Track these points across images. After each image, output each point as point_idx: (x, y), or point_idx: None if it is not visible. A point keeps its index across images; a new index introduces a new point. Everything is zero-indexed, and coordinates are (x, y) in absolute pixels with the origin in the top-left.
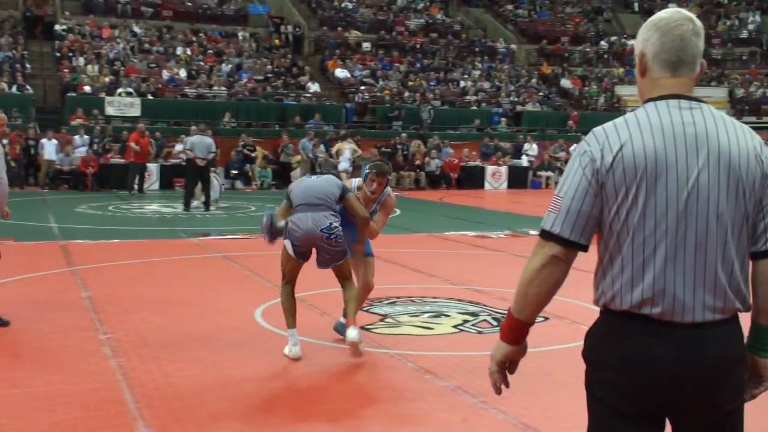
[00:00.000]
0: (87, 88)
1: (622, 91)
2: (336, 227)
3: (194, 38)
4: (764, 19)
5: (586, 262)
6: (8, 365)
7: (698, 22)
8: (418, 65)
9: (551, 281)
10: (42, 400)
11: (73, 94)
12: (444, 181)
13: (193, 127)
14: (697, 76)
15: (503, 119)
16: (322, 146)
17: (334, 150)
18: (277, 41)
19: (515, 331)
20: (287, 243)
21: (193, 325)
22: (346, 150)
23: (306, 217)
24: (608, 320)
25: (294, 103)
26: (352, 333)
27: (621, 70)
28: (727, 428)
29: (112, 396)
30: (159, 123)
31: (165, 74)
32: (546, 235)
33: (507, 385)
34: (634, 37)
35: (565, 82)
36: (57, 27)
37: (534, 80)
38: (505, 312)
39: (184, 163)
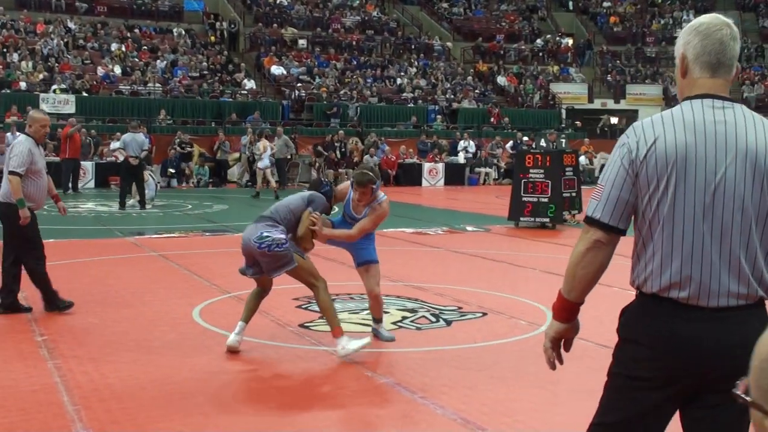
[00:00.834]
0: (22, 85)
1: (557, 88)
2: (266, 236)
3: (129, 34)
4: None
5: (526, 259)
6: None
7: (735, 28)
8: (355, 62)
9: (596, 263)
10: None
11: (8, 91)
12: (381, 178)
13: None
14: (733, 78)
15: (439, 116)
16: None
17: (259, 147)
18: (212, 38)
19: (566, 311)
20: None
21: (130, 325)
22: (268, 148)
23: (246, 230)
24: (641, 301)
25: (230, 100)
26: (338, 346)
27: (556, 67)
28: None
29: (50, 398)
30: (94, 120)
31: (100, 71)
32: (589, 221)
33: (561, 361)
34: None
35: (501, 80)
36: None
37: (470, 78)
38: (443, 308)
39: (118, 162)
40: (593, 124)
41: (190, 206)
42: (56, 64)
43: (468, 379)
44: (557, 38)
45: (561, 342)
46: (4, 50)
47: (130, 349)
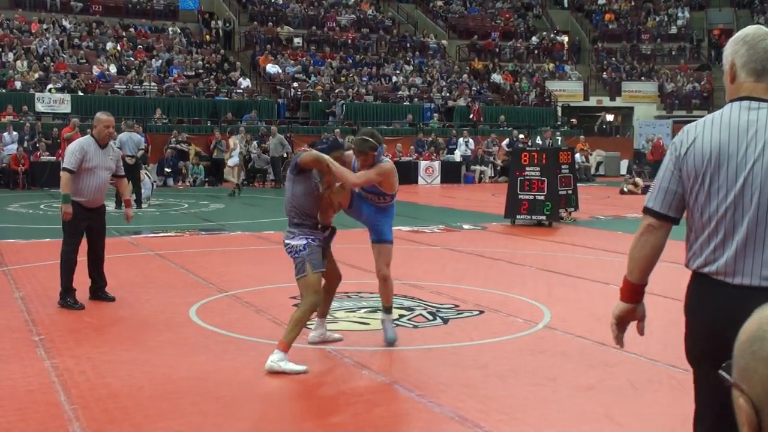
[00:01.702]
0: (17, 84)
1: (553, 86)
2: (287, 244)
3: (124, 33)
4: (693, 15)
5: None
6: None
7: None
8: (350, 61)
9: (649, 246)
10: None
11: (3, 91)
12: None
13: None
14: None
15: (435, 114)
16: (255, 143)
17: (231, 144)
18: (207, 36)
19: (628, 291)
20: None
21: (127, 324)
22: (238, 145)
23: None
24: (691, 278)
25: (226, 99)
26: (273, 357)
27: (551, 65)
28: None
29: (47, 398)
30: (89, 120)
31: (95, 70)
32: (644, 210)
33: (621, 344)
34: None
35: (497, 78)
36: None
37: (465, 76)
38: (440, 306)
39: None
40: (589, 121)
41: (186, 205)
42: (51, 64)
43: (465, 376)
44: (552, 35)
45: (626, 323)
46: None
47: (127, 348)
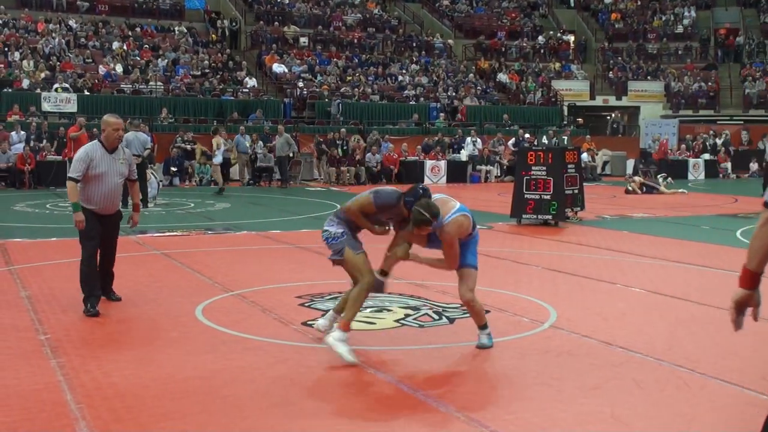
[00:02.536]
0: (24, 84)
1: (559, 85)
2: (326, 230)
3: (130, 33)
4: (699, 14)
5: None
6: None
7: None
8: (356, 60)
9: (765, 237)
10: None
11: (9, 90)
12: (384, 176)
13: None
14: None
15: (442, 114)
16: (260, 142)
17: (213, 144)
18: (213, 36)
19: (745, 278)
20: None
21: (133, 323)
22: (221, 144)
23: None
24: None
25: (232, 98)
26: (334, 334)
27: (557, 64)
28: None
29: (53, 397)
30: (96, 119)
31: (101, 69)
32: (765, 204)
33: (739, 326)
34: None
35: (503, 77)
36: None
37: (471, 75)
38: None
39: None
40: (595, 121)
41: (192, 204)
42: (58, 63)
43: (471, 376)
44: (558, 35)
45: (744, 307)
46: (6, 49)
47: (133, 347)
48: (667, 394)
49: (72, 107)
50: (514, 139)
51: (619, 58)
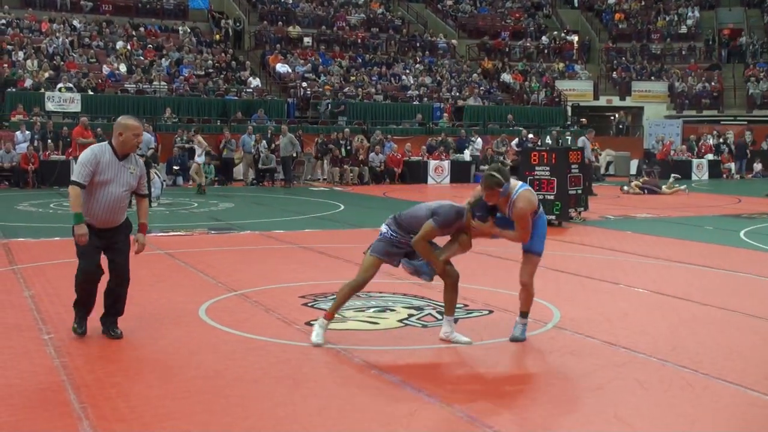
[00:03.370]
0: (27, 83)
1: (563, 85)
2: (384, 232)
3: (134, 33)
4: (703, 15)
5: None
6: None
7: None
8: (360, 60)
9: None
10: None
11: (13, 90)
12: (387, 176)
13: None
14: None
15: (446, 114)
16: (264, 142)
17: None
18: (217, 36)
19: None
20: None
21: (137, 323)
22: (203, 143)
23: None
24: None
25: (235, 98)
26: (319, 322)
27: (561, 64)
28: None
29: (56, 396)
30: (99, 119)
31: (105, 69)
32: None
33: None
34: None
35: (506, 77)
36: None
37: (475, 75)
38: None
39: None
40: (599, 121)
41: (195, 204)
42: (61, 63)
43: (475, 376)
44: (562, 35)
45: None
46: (10, 49)
47: (136, 347)
48: (670, 394)
49: (76, 107)
50: (517, 139)
51: (623, 58)
